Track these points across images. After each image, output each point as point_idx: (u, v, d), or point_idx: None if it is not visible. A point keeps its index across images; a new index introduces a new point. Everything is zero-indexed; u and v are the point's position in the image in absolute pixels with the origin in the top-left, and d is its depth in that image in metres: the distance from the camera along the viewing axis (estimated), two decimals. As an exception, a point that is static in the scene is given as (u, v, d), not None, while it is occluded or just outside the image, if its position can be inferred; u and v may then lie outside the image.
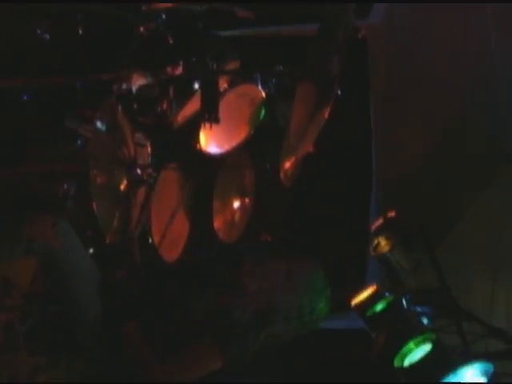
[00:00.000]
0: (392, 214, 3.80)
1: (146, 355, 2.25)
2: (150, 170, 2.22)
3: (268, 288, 2.36)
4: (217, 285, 2.48)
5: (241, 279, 2.42)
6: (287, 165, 2.92)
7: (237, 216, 3.14)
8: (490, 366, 2.55)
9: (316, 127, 2.56)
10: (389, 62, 3.74)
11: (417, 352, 2.76)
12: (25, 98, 2.43)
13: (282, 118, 2.91)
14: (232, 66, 2.50)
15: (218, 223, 3.02)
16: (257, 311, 2.33)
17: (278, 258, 2.58)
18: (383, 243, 3.78)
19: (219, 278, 2.52)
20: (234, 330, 2.30)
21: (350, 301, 3.60)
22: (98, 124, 2.01)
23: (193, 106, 2.64)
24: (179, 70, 2.22)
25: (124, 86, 2.19)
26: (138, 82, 2.20)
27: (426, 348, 2.76)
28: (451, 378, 2.58)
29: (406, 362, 2.75)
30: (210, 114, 2.22)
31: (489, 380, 2.54)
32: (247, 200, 3.13)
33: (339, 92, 2.33)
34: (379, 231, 3.79)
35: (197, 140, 2.81)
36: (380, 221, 3.82)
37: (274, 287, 2.36)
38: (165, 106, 2.38)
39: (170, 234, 2.76)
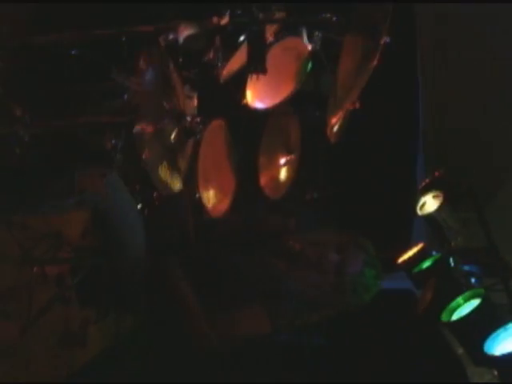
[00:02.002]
0: (439, 172, 3.75)
1: (194, 308, 2.27)
2: (198, 121, 2.22)
3: (322, 264, 2.35)
4: (268, 250, 2.49)
5: (291, 247, 2.43)
6: (334, 120, 2.88)
7: (282, 172, 3.14)
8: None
9: (363, 79, 2.51)
10: (438, 11, 3.64)
11: (465, 307, 2.74)
12: (73, 52, 2.44)
13: (327, 72, 2.87)
14: (278, 16, 2.46)
15: (264, 179, 3.02)
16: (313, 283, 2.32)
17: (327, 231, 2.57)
18: (430, 202, 3.73)
19: (269, 242, 2.53)
20: (283, 300, 2.31)
21: (395, 261, 3.58)
22: (147, 74, 2.01)
23: (239, 60, 2.62)
24: (225, 20, 2.20)
25: (171, 37, 2.18)
26: (184, 32, 2.19)
27: (475, 303, 2.74)
28: (501, 333, 2.55)
29: (454, 317, 2.74)
30: (257, 64, 2.19)
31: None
32: (293, 156, 3.12)
33: (388, 40, 2.27)
34: (426, 190, 3.74)
35: (243, 95, 2.79)
36: (427, 180, 3.78)
37: (327, 262, 2.35)
38: (211, 57, 2.37)
39: (217, 188, 2.77)
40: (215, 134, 2.66)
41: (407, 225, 4.06)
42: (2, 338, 2.54)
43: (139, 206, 2.63)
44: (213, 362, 2.64)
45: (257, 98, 2.85)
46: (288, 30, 2.80)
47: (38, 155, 2.30)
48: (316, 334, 3.15)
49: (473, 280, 3.11)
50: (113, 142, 2.41)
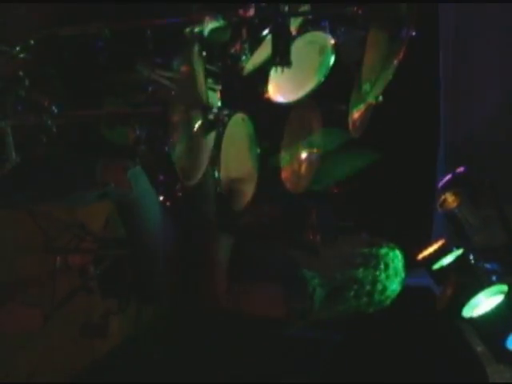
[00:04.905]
0: (461, 170, 3.73)
1: (219, 276, 2.27)
2: (223, 113, 2.23)
3: (342, 260, 2.34)
4: (286, 240, 2.49)
5: (310, 240, 2.43)
6: (356, 115, 2.88)
7: (304, 167, 3.13)
8: None
9: (388, 74, 2.51)
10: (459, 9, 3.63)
11: (487, 303, 2.73)
12: (98, 44, 2.46)
13: (350, 66, 2.85)
14: (302, 9, 2.46)
15: (285, 173, 3.02)
16: (328, 283, 2.31)
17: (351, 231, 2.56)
18: (451, 199, 3.71)
19: (289, 233, 2.53)
20: (300, 287, 2.31)
21: (414, 258, 3.57)
22: (175, 66, 2.02)
23: (262, 53, 2.62)
24: (251, 13, 2.20)
25: (196, 30, 2.19)
26: (209, 25, 2.19)
27: (497, 300, 2.73)
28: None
29: (475, 314, 2.73)
30: (281, 57, 2.19)
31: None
32: (315, 151, 3.11)
33: (413, 34, 2.27)
34: (447, 187, 3.73)
35: (265, 89, 2.79)
36: (448, 177, 3.76)
37: (348, 260, 2.34)
38: (237, 49, 2.37)
39: (238, 182, 2.77)
40: (237, 127, 2.66)
41: (427, 221, 4.05)
42: (26, 326, 2.58)
43: (161, 198, 2.64)
44: (229, 354, 2.65)
45: (278, 91, 2.85)
46: (311, 23, 2.79)
47: (64, 146, 2.32)
48: (333, 331, 3.15)
49: (494, 277, 3.10)
50: (137, 133, 2.43)
